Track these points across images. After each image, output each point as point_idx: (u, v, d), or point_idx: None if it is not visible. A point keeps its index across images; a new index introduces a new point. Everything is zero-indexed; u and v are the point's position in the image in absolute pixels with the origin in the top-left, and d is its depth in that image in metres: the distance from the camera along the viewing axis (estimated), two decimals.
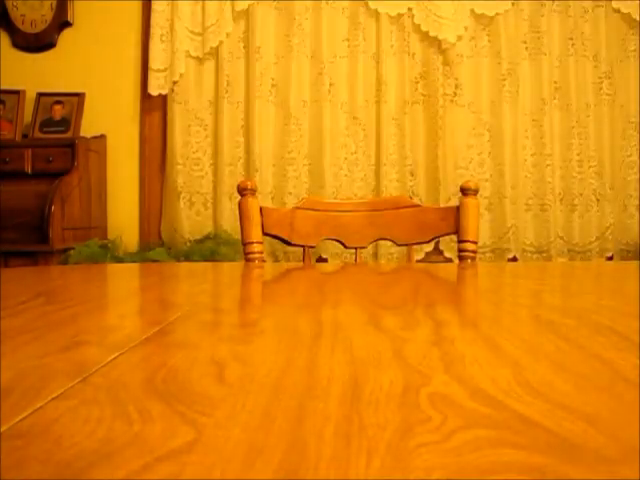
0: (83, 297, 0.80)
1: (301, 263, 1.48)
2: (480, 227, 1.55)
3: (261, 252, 1.39)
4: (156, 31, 2.96)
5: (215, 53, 2.99)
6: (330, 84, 2.98)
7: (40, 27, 3.06)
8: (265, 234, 1.41)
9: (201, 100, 3.02)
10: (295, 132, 2.97)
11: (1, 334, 0.53)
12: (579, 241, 3.01)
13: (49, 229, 2.58)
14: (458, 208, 1.43)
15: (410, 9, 2.97)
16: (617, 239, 3.02)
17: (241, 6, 2.96)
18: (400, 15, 2.97)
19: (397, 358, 0.44)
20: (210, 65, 3.01)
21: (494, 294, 0.91)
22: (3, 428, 0.30)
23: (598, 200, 3.00)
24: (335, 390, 0.36)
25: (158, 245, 2.91)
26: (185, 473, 0.25)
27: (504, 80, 2.98)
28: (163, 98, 3.02)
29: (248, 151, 2.98)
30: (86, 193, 2.85)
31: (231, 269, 1.39)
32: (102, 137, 3.02)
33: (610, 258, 3.00)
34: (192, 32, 2.98)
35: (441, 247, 2.98)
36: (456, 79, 2.99)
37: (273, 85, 3.00)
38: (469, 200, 1.42)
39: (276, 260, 2.91)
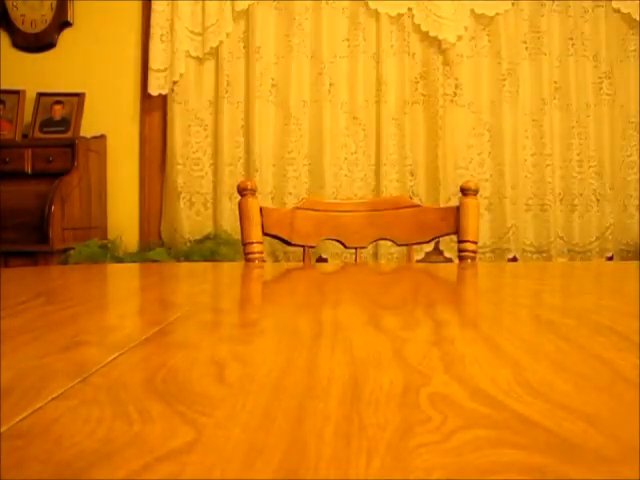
0: (83, 297, 0.80)
1: (301, 263, 1.48)
2: (480, 227, 1.55)
3: (261, 252, 1.39)
4: (156, 31, 2.96)
5: (215, 53, 2.99)
6: (330, 84, 2.97)
7: (40, 27, 3.06)
8: (265, 234, 1.41)
9: (201, 100, 3.01)
10: (295, 132, 2.97)
11: (1, 334, 0.53)
12: (579, 241, 3.01)
13: (49, 229, 2.58)
14: (458, 208, 1.43)
15: (410, 9, 2.97)
16: (617, 239, 3.02)
17: (241, 6, 2.96)
18: (400, 15, 2.97)
19: (397, 358, 0.44)
20: (210, 65, 3.01)
21: (494, 294, 0.91)
22: (3, 428, 0.30)
23: (598, 200, 3.00)
24: (335, 390, 0.36)
25: (158, 245, 2.91)
26: (185, 473, 0.25)
27: (504, 80, 2.98)
28: (163, 98, 3.02)
29: (248, 151, 2.98)
30: (86, 193, 2.85)
31: (231, 269, 1.39)
32: (102, 137, 3.02)
33: (610, 258, 3.00)
34: (192, 32, 2.98)
35: (441, 247, 2.98)
36: (456, 79, 2.99)
37: (273, 85, 3.00)
38: (469, 200, 1.42)
39: (276, 260, 2.91)
